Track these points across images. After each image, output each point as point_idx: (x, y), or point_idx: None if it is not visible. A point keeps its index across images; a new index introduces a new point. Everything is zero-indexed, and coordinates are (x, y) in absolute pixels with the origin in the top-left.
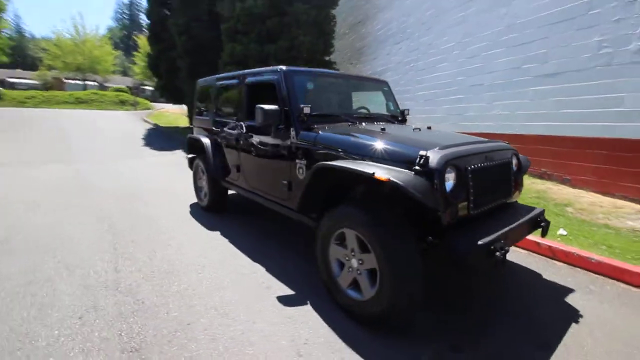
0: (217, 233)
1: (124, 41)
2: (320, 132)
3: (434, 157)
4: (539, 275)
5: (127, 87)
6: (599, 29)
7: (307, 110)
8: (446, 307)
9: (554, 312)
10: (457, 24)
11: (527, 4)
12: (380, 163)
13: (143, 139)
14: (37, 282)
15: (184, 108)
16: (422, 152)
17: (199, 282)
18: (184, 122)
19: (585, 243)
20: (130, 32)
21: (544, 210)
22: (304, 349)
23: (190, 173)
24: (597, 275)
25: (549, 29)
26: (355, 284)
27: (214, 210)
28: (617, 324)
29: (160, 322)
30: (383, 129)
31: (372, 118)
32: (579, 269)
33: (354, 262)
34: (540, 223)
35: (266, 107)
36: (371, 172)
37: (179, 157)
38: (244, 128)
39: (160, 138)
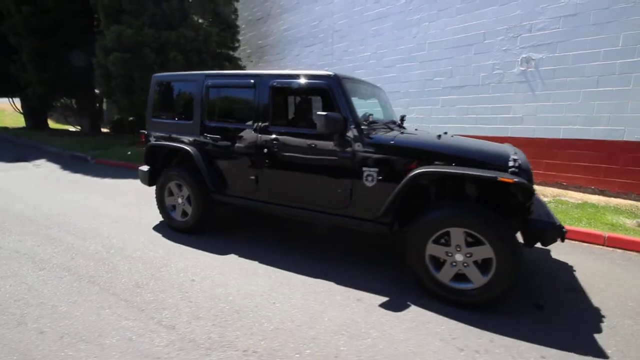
0: (235, 256)
1: None
2: (396, 138)
3: (523, 161)
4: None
5: None
6: (492, 55)
7: (369, 117)
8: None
9: None
10: (372, 36)
11: (434, 29)
12: (467, 166)
13: None
14: None
15: (16, 102)
16: (514, 157)
17: (285, 317)
18: (15, 121)
19: None
20: None
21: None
22: (459, 342)
23: (100, 188)
24: None
25: (453, 51)
26: (458, 277)
27: (196, 230)
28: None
29: None
30: (439, 136)
31: (385, 123)
32: None
33: (459, 257)
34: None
35: (330, 114)
36: (494, 175)
37: (51, 170)
38: (274, 135)
39: None
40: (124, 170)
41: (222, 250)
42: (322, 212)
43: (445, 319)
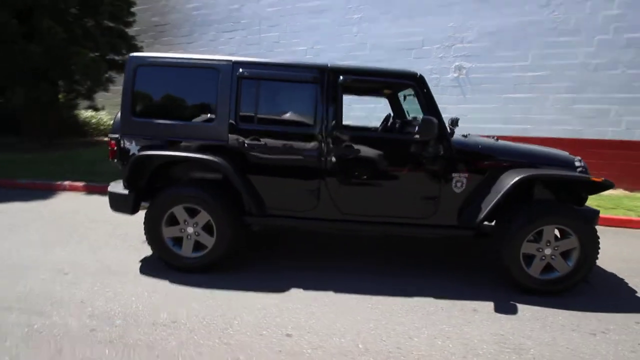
0: (300, 290)
1: None
2: (480, 143)
3: (583, 162)
4: None
5: None
6: (430, 61)
7: (456, 121)
8: None
9: None
10: (308, 30)
11: (376, 30)
12: (541, 167)
13: None
14: None
15: None
16: (579, 158)
17: (437, 350)
18: None
19: None
20: None
21: None
22: (585, 328)
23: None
24: None
25: (395, 53)
26: (546, 268)
27: (215, 266)
28: None
29: None
30: (497, 139)
31: None
32: None
33: (548, 251)
34: None
35: (433, 118)
36: (588, 176)
37: None
38: (347, 141)
39: None
40: None
41: (274, 286)
42: (401, 224)
43: (554, 310)
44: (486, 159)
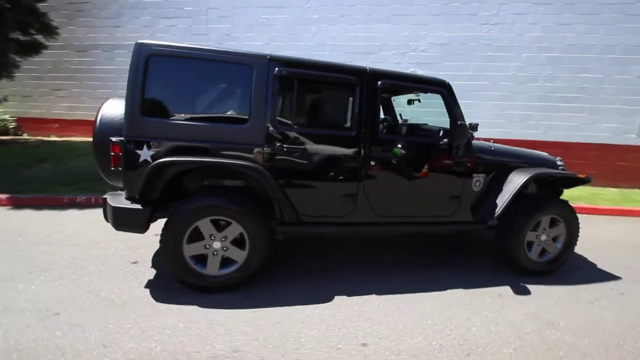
0: (344, 297)
1: None
2: (492, 146)
3: (562, 161)
4: None
5: None
6: (387, 65)
7: (476, 125)
8: None
9: None
10: (264, 25)
11: (334, 32)
12: (536, 166)
13: None
14: None
15: None
16: (559, 158)
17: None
18: None
19: None
20: None
21: None
22: (587, 295)
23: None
24: None
25: (354, 56)
26: (543, 252)
27: (246, 284)
28: None
29: None
30: (494, 142)
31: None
32: None
33: (544, 237)
34: None
35: (466, 124)
36: (574, 173)
37: None
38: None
39: None
40: None
41: (315, 297)
42: (429, 223)
43: (554, 286)
44: (497, 161)
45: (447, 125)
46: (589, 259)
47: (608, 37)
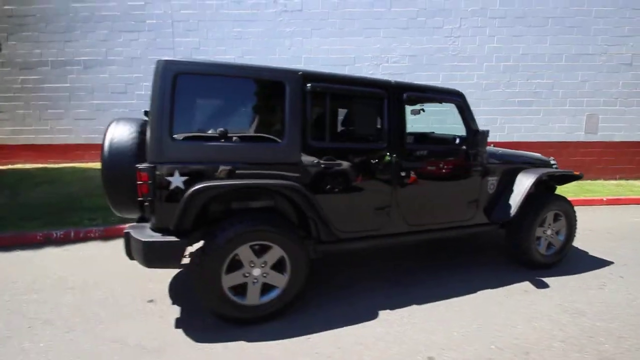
0: (388, 311)
1: None
2: (498, 151)
3: (555, 160)
4: None
5: None
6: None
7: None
8: None
9: None
10: (236, 38)
11: (309, 45)
12: (536, 167)
13: None
14: None
15: None
16: (552, 158)
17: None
18: None
19: None
20: None
21: None
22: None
23: None
24: None
25: (330, 68)
26: (549, 245)
27: (287, 309)
28: None
29: None
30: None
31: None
32: None
33: (549, 232)
34: None
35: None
36: (571, 171)
37: None
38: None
39: None
40: None
41: (359, 316)
42: (453, 228)
43: (564, 277)
44: (507, 164)
45: (445, 132)
46: (577, 247)
47: (555, 47)
